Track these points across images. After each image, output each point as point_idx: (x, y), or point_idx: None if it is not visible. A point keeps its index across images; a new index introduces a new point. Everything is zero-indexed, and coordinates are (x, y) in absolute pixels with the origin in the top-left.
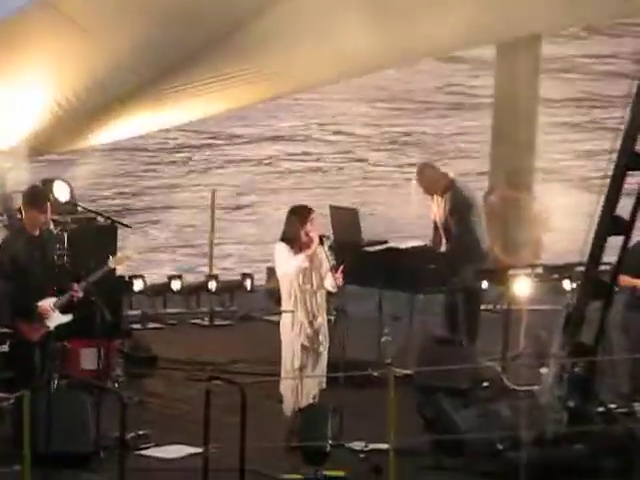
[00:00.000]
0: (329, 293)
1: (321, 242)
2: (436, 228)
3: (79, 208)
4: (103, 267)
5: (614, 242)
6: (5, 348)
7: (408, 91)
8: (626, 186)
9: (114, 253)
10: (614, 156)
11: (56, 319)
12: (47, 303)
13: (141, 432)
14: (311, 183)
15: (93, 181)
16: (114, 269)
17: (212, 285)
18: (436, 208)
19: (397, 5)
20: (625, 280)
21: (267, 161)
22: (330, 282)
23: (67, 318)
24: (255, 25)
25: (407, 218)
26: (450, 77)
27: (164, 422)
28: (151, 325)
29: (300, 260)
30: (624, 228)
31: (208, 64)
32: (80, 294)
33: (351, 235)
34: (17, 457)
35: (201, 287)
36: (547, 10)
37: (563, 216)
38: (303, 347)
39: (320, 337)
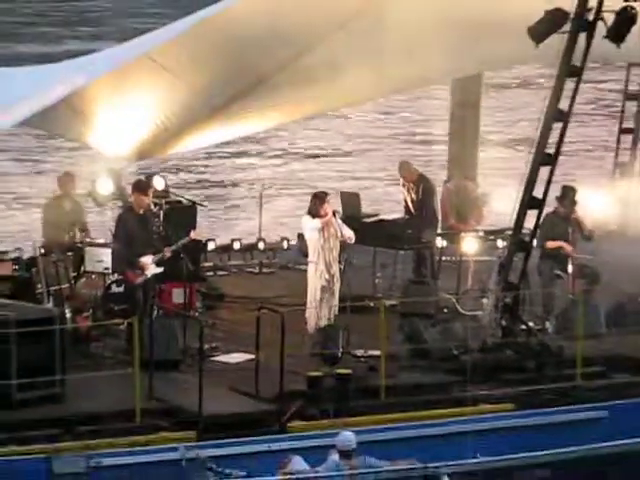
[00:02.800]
0: (341, 248)
1: (334, 215)
2: (406, 205)
3: (171, 195)
4: (186, 237)
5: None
6: (121, 289)
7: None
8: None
9: (195, 226)
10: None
11: (152, 270)
12: (146, 259)
13: (214, 345)
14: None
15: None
16: (194, 238)
17: (261, 245)
18: (407, 192)
19: (409, 45)
20: (551, 244)
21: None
22: (348, 234)
23: (160, 270)
24: (303, 60)
25: None
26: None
27: (229, 338)
28: (220, 273)
29: (317, 223)
30: (538, 205)
31: (262, 93)
32: (168, 254)
33: (354, 210)
34: (130, 363)
35: (253, 246)
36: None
37: (498, 197)
38: (322, 287)
39: (334, 279)
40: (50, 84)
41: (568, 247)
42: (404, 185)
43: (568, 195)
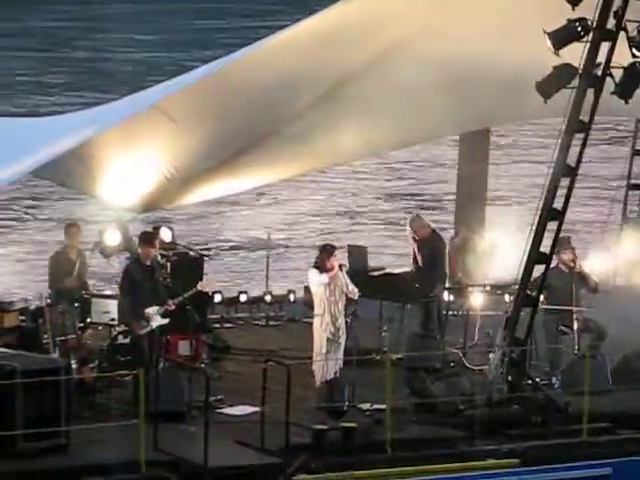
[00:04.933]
0: (347, 302)
1: (340, 268)
2: (415, 259)
3: (178, 246)
4: (193, 288)
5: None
6: (127, 340)
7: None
8: None
9: (201, 277)
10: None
11: (157, 321)
12: (151, 310)
13: (219, 397)
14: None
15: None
16: (201, 290)
17: (268, 297)
18: (417, 247)
19: (407, 106)
20: None
21: None
22: (353, 290)
23: (165, 321)
24: (310, 115)
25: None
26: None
27: (235, 390)
28: (226, 325)
29: (324, 277)
30: (545, 260)
31: (269, 147)
32: (172, 307)
33: (361, 264)
34: (135, 414)
35: (260, 299)
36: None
37: (505, 251)
38: (328, 339)
39: (340, 332)
40: (59, 135)
41: None
42: (414, 239)
43: (563, 245)
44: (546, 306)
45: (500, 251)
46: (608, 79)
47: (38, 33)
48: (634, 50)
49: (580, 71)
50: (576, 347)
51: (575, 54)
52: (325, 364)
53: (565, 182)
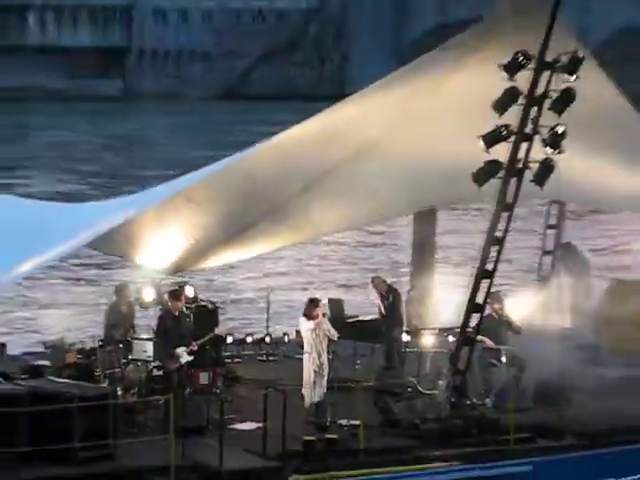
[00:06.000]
0: (329, 342)
1: (323, 316)
2: (379, 309)
3: (199, 300)
4: (211, 333)
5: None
6: (160, 373)
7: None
8: None
9: (217, 325)
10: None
11: (184, 358)
12: (179, 350)
13: (231, 416)
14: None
15: None
16: (217, 334)
17: (268, 339)
18: (380, 299)
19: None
20: None
21: None
22: (333, 333)
23: (190, 358)
24: (299, 199)
25: None
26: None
27: (243, 410)
28: (236, 360)
29: (311, 324)
30: (480, 309)
31: (267, 223)
32: (195, 347)
33: (339, 312)
34: (167, 430)
35: (262, 339)
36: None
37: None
38: (315, 372)
39: (324, 366)
40: (107, 215)
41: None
42: (378, 294)
43: (494, 297)
44: (481, 344)
45: (446, 302)
46: (527, 171)
47: None
48: (547, 148)
49: (505, 165)
50: (504, 375)
51: (502, 152)
52: (312, 390)
53: (495, 249)
